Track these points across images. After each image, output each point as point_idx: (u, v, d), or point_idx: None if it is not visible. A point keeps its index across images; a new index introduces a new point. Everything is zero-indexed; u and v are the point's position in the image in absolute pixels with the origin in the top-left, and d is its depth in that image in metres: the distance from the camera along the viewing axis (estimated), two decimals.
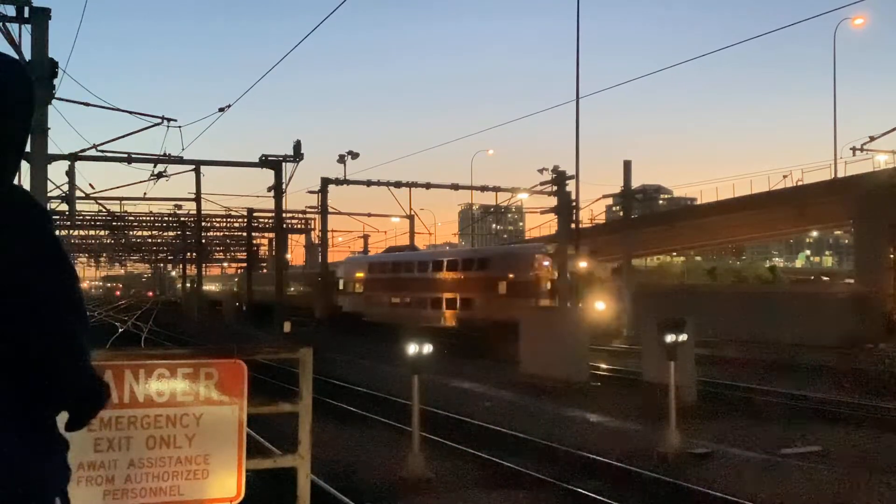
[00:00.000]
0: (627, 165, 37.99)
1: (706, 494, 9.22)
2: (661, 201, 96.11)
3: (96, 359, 2.29)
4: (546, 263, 33.11)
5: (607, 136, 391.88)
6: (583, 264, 32.27)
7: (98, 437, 3.63)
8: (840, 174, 41.71)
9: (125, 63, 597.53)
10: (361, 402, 16.72)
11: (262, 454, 6.01)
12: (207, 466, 3.84)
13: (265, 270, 70.17)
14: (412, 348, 10.12)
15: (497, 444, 12.25)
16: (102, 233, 72.31)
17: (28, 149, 3.44)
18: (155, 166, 34.97)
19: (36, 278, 1.75)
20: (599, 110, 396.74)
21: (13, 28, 17.63)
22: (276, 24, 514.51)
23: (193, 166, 39.34)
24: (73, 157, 31.11)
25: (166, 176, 36.56)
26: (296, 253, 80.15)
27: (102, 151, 32.61)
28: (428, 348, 10.20)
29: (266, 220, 60.43)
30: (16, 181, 1.90)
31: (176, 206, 57.57)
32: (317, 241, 58.18)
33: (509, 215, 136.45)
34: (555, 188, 36.45)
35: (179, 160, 34.61)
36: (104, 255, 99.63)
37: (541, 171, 37.47)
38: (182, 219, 60.76)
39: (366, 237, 70.29)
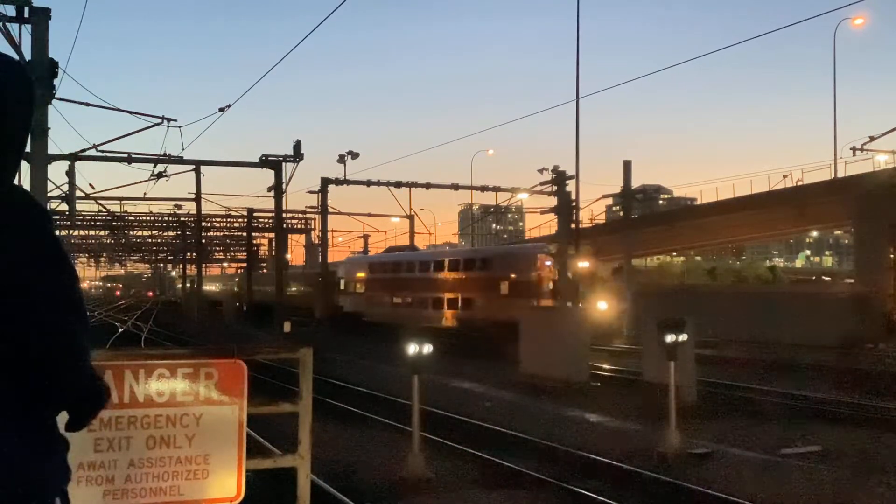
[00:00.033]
0: (627, 165, 38.03)
1: (706, 494, 9.22)
2: (661, 201, 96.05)
3: (96, 359, 2.29)
4: (548, 263, 33.04)
5: (607, 136, 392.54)
6: (585, 264, 32.24)
7: (98, 437, 3.63)
8: (840, 174, 41.76)
9: (125, 63, 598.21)
10: (362, 402, 16.73)
11: (262, 454, 6.01)
12: (207, 466, 3.84)
13: (265, 270, 70.20)
14: (412, 348, 10.12)
15: (497, 444, 12.25)
16: (102, 233, 72.29)
17: (28, 149, 3.44)
18: (155, 166, 34.99)
19: (36, 278, 1.75)
20: (599, 110, 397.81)
21: (13, 28, 17.63)
22: (276, 24, 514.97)
23: (193, 166, 39.33)
24: (73, 157, 31.07)
25: (166, 176, 36.56)
26: (296, 253, 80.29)
27: (102, 151, 32.62)
28: (428, 348, 10.20)
29: (266, 220, 60.41)
30: (16, 181, 1.90)
31: (176, 206, 57.57)
32: (317, 241, 58.18)
33: (509, 215, 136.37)
34: (555, 188, 36.48)
35: (179, 160, 34.59)
36: (104, 255, 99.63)
37: (541, 171, 37.57)
38: (182, 219, 60.73)
39: (366, 237, 70.38)
